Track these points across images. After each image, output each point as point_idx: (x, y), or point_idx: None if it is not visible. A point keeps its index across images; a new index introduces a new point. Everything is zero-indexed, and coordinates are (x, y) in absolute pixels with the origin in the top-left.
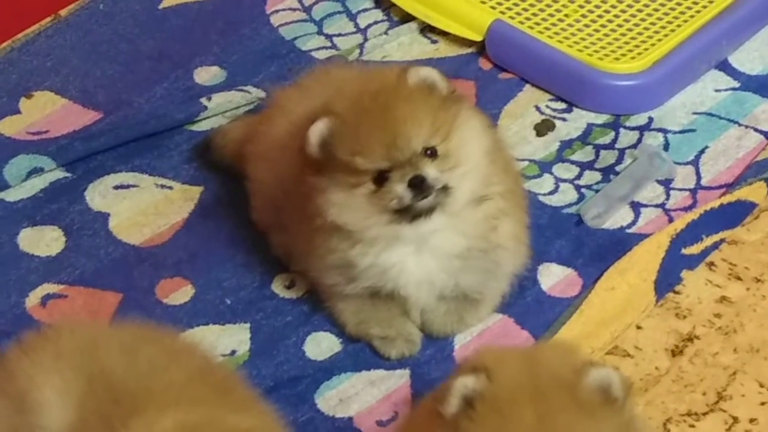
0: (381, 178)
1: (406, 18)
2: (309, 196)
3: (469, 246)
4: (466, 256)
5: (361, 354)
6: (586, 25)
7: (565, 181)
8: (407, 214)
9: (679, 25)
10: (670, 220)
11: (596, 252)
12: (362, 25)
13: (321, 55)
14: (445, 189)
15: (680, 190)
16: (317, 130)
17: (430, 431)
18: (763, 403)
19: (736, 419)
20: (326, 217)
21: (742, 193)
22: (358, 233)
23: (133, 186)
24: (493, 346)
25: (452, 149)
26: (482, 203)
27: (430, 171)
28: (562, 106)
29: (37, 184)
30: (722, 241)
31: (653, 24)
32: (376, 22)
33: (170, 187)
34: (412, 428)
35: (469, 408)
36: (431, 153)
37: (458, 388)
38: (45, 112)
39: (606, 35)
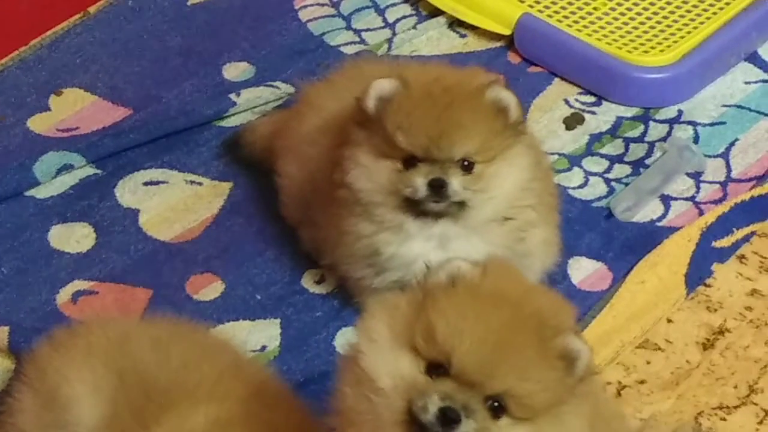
0: (409, 164)
1: (435, 12)
2: (338, 164)
3: (492, 253)
4: None
5: None
6: (615, 18)
7: (594, 174)
8: (415, 208)
9: (708, 18)
10: (701, 213)
11: (626, 245)
12: (391, 20)
13: (349, 50)
14: (461, 204)
15: (710, 182)
16: (380, 86)
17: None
18: None
19: (767, 412)
20: (346, 176)
21: None
22: (372, 210)
23: (163, 182)
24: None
25: (488, 174)
26: (506, 223)
27: (454, 181)
28: (591, 99)
29: (67, 181)
30: (753, 233)
31: (682, 16)
32: (404, 17)
33: (200, 183)
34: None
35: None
36: (467, 166)
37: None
38: (74, 109)
39: (635, 28)
